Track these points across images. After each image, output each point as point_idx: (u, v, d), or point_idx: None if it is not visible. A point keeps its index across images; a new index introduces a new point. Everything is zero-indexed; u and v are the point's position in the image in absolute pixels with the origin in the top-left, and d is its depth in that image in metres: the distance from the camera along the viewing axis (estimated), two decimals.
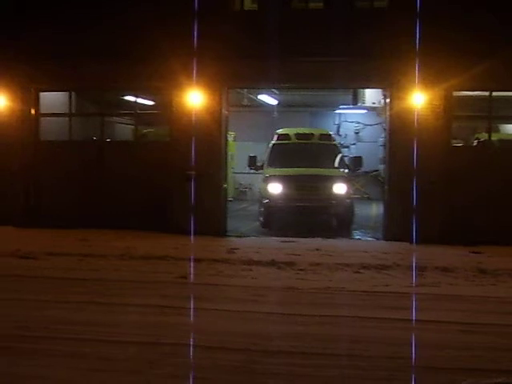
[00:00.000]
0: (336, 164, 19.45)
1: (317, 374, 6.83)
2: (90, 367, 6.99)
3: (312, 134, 20.76)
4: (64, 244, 14.77)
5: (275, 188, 18.42)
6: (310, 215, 19.49)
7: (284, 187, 18.35)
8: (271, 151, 20.04)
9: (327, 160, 19.51)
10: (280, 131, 21.04)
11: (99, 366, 7.04)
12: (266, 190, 18.63)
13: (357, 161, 20.01)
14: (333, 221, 19.48)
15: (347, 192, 18.42)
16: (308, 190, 18.29)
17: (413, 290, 10.70)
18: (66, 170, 17.33)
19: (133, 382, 6.60)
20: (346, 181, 18.71)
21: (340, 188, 18.31)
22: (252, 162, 20.35)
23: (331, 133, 22.21)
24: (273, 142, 20.49)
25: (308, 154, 19.60)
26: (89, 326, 8.56)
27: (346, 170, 19.40)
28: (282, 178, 18.57)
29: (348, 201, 18.42)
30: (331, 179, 18.48)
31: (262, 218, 18.93)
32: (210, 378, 6.71)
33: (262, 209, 18.82)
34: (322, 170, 18.81)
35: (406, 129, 15.54)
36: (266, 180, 18.88)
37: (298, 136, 20.55)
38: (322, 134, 20.76)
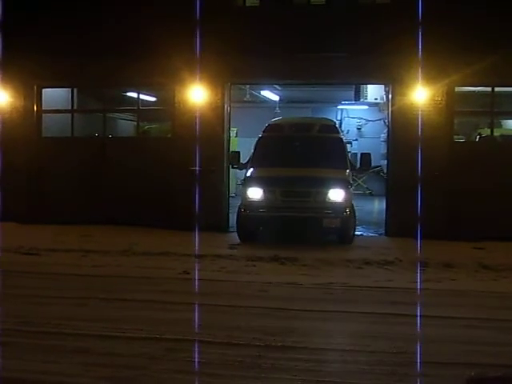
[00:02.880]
0: (339, 162, 15.58)
1: (319, 370, 6.85)
2: (94, 362, 7.01)
3: (311, 124, 17.08)
4: (66, 240, 14.80)
5: (255, 193, 14.92)
6: (298, 229, 15.66)
7: (266, 192, 14.83)
8: (256, 146, 16.18)
9: (328, 157, 15.70)
10: (273, 121, 17.72)
11: (102, 361, 7.06)
12: (244, 195, 15.25)
13: (365, 159, 16.34)
14: (328, 235, 15.72)
15: (346, 199, 14.84)
16: (296, 197, 14.75)
17: (415, 285, 10.71)
18: (69, 167, 17.33)
19: (137, 377, 6.62)
20: (346, 185, 15.08)
21: (337, 194, 14.75)
22: (234, 158, 16.67)
23: (335, 122, 18.87)
24: (261, 134, 16.65)
25: (304, 150, 16.00)
26: (91, 321, 8.57)
27: (349, 171, 15.84)
28: (264, 181, 15.04)
29: (347, 211, 14.78)
30: (326, 183, 14.83)
31: (238, 230, 15.35)
32: (216, 373, 6.73)
33: (238, 218, 15.27)
34: (317, 170, 15.10)
35: (408, 124, 15.53)
36: (245, 183, 15.54)
37: (293, 127, 16.88)
38: (323, 125, 16.90)
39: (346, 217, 14.76)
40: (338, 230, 15.00)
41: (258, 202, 14.84)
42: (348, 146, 26.93)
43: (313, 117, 22.63)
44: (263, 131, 16.65)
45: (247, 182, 15.27)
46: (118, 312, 9.14)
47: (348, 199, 14.93)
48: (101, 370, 6.80)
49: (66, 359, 7.10)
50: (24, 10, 17.00)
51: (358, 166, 16.67)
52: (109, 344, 7.61)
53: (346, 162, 15.86)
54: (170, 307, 9.40)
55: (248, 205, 14.94)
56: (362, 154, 16.74)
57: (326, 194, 14.72)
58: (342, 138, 16.54)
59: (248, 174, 15.59)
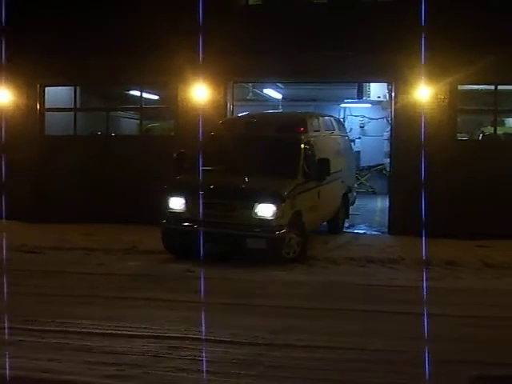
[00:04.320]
0: (290, 169, 13.16)
1: (324, 368, 6.86)
2: (97, 361, 7.03)
3: (270, 123, 14.84)
4: (69, 238, 14.80)
5: (176, 203, 13.03)
6: (221, 247, 13.41)
7: (188, 203, 12.88)
8: (199, 148, 13.79)
9: (278, 163, 13.28)
10: (228, 118, 16.12)
11: (106, 359, 7.07)
12: (165, 204, 13.17)
13: (323, 165, 13.55)
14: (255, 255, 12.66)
15: (278, 216, 12.33)
16: (220, 210, 12.62)
17: (418, 283, 10.70)
18: (71, 165, 17.33)
19: (142, 376, 6.63)
20: (280, 199, 12.44)
21: (266, 210, 12.34)
22: (179, 161, 13.93)
23: (305, 120, 14.79)
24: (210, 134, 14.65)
25: (251, 153, 13.64)
26: (95, 319, 8.60)
27: (299, 180, 13.14)
28: (186, 189, 13.11)
29: (278, 230, 12.33)
30: (255, 195, 12.56)
31: (163, 243, 13.23)
32: (218, 371, 6.75)
33: (162, 230, 13.22)
34: (253, 179, 12.96)
35: (411, 123, 15.51)
36: (167, 189, 13.28)
37: (248, 125, 14.64)
38: (286, 124, 14.61)
39: (276, 237, 12.36)
40: (265, 253, 12.42)
41: (180, 213, 12.95)
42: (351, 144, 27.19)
43: (286, 112, 19.89)
44: (213, 130, 14.78)
45: (169, 189, 13.22)
46: (122, 310, 9.18)
47: (281, 215, 12.38)
48: (104, 368, 6.82)
49: (69, 357, 7.12)
50: (26, 10, 17.00)
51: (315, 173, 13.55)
52: (112, 342, 7.65)
53: (298, 169, 13.20)
54: (173, 305, 9.42)
55: (170, 216, 13.06)
56: (319, 159, 13.66)
57: (252, 208, 12.40)
58: (299, 140, 13.66)
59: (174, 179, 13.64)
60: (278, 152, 13.42)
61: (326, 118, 16.77)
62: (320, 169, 13.52)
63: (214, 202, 12.59)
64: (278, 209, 12.32)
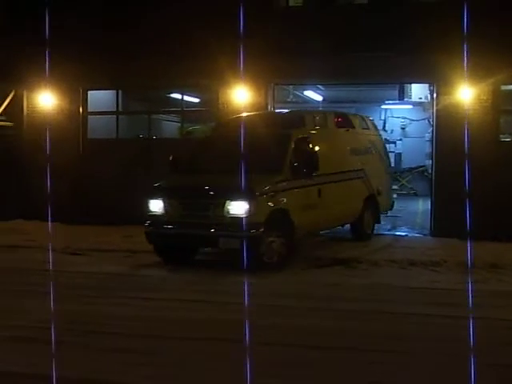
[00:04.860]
0: (275, 167, 12.56)
1: (367, 370, 6.84)
2: (135, 362, 7.09)
3: (264, 121, 13.86)
4: (110, 240, 15.01)
5: (155, 205, 12.69)
6: (197, 249, 13.30)
7: (166, 204, 12.56)
8: (193, 150, 14.13)
9: (264, 160, 12.49)
10: (225, 119, 15.84)
11: (144, 360, 7.14)
12: (147, 207, 12.84)
13: (307, 161, 12.83)
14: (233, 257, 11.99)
15: (250, 213, 11.70)
16: (194, 211, 12.29)
17: (461, 286, 10.59)
18: (113, 168, 17.53)
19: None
20: (252, 195, 11.79)
21: (239, 207, 11.79)
22: (174, 163, 13.75)
23: (302, 117, 14.36)
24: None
25: (240, 152, 12.03)
26: (136, 321, 8.72)
27: (283, 178, 12.49)
28: (166, 191, 12.82)
29: (252, 229, 11.67)
30: (228, 193, 11.95)
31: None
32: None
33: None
34: (227, 177, 12.00)
35: (453, 124, 15.36)
36: (151, 192, 12.97)
37: (242, 125, 13.89)
38: (276, 123, 13.79)
39: (250, 236, 11.59)
40: (240, 253, 11.31)
41: (159, 215, 12.63)
42: (392, 145, 27.06)
43: (291, 110, 17.39)
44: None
45: (152, 192, 12.92)
46: (163, 312, 9.26)
47: (256, 213, 11.76)
48: (143, 368, 6.87)
49: (109, 358, 7.21)
50: (69, 15, 17.22)
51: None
52: (155, 343, 7.72)
53: (283, 166, 12.57)
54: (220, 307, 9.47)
55: (151, 219, 12.74)
56: (305, 154, 12.98)
57: (224, 206, 11.92)
58: (288, 136, 13.00)
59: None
60: (264, 149, 12.65)
61: (340, 115, 15.92)
62: (305, 164, 12.77)
63: (188, 202, 12.42)
64: (251, 206, 11.72)
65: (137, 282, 11.52)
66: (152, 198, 12.75)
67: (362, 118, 16.61)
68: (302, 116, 14.38)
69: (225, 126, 14.92)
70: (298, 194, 12.75)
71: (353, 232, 15.57)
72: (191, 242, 12.66)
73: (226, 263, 12.59)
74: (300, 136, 13.31)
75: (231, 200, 11.83)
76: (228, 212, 11.87)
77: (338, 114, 15.82)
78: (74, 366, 6.78)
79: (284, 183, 12.44)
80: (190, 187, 12.72)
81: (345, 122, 15.47)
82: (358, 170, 15.05)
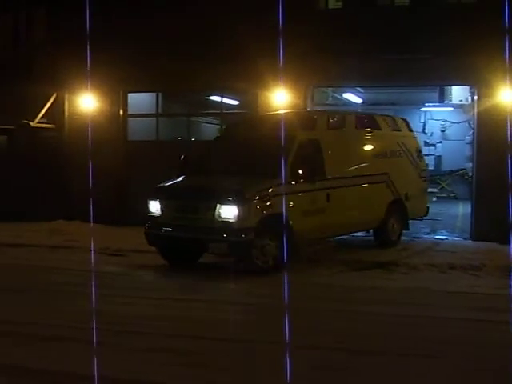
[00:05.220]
0: (273, 169, 11.96)
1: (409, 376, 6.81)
2: (170, 361, 7.13)
3: (274, 123, 13.07)
4: None
5: (153, 206, 12.67)
6: (188, 252, 12.80)
7: (162, 206, 12.52)
8: (204, 151, 14.02)
9: (265, 163, 12.24)
10: (237, 120, 15.84)
11: (179, 359, 7.19)
12: (147, 209, 12.83)
13: (312, 165, 12.62)
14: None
15: (240, 217, 11.50)
16: (187, 213, 12.15)
17: (501, 291, 10.48)
18: (153, 169, 17.63)
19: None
20: (243, 199, 11.61)
21: (229, 211, 11.56)
22: (183, 164, 13.56)
23: (312, 118, 14.07)
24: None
25: (242, 155, 13.03)
26: (169, 321, 8.83)
27: (281, 181, 11.81)
28: (164, 192, 12.78)
29: (243, 234, 11.51)
30: (218, 196, 11.80)
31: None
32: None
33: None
34: (219, 180, 12.37)
35: (495, 126, 15.19)
36: (151, 194, 12.93)
37: (251, 127, 14.01)
38: (284, 125, 12.51)
39: (240, 241, 11.51)
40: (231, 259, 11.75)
41: (157, 217, 12.58)
42: (432, 148, 26.85)
43: (305, 111, 16.46)
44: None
45: (151, 193, 12.89)
46: (198, 313, 9.38)
47: (246, 218, 11.53)
48: (177, 368, 6.92)
49: (142, 357, 7.26)
50: (109, 18, 17.40)
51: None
52: (184, 344, 7.78)
53: (280, 169, 11.76)
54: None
55: (149, 220, 12.72)
56: (306, 158, 12.56)
57: (215, 210, 11.67)
58: (291, 138, 12.25)
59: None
60: (266, 152, 12.34)
61: (363, 116, 15.40)
62: (307, 168, 12.45)
63: (181, 204, 12.28)
64: (241, 210, 11.49)
65: (175, 284, 11.59)
66: (151, 199, 12.71)
67: (393, 119, 15.80)
68: (313, 118, 14.02)
69: (235, 127, 14.83)
70: (298, 199, 12.34)
71: (376, 238, 14.97)
72: (183, 245, 12.40)
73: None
74: (306, 138, 12.88)
75: (221, 204, 11.62)
76: (219, 216, 11.64)
77: (359, 115, 15.40)
78: (110, 366, 6.83)
79: (281, 187, 11.90)
80: (184, 189, 12.73)
81: (368, 123, 14.76)
82: (380, 174, 14.41)
